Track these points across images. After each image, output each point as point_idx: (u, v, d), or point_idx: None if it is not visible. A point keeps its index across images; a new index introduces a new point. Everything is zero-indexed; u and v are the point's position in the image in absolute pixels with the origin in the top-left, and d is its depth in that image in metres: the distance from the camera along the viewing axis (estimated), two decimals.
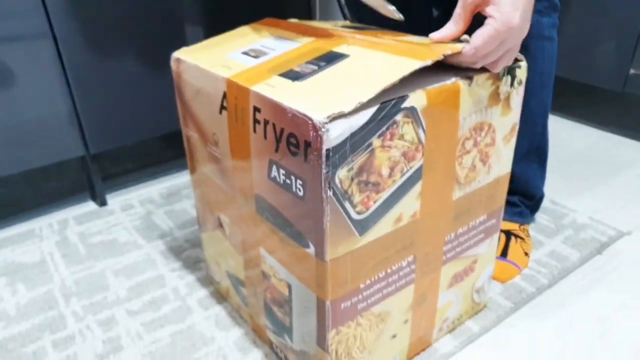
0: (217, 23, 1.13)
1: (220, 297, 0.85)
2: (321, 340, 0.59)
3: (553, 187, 1.14)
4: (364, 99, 0.46)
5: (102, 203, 1.13)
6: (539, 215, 1.03)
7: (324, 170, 0.47)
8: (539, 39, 0.81)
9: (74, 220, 1.08)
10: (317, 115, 0.45)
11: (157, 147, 1.39)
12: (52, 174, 1.27)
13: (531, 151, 0.91)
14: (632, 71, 1.28)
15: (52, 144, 1.03)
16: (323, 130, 0.45)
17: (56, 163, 1.05)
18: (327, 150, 0.46)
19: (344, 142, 0.47)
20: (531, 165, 0.93)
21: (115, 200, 1.16)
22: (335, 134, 0.46)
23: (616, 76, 1.31)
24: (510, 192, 0.94)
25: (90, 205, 1.14)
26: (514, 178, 0.92)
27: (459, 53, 0.52)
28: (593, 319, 0.79)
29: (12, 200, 1.17)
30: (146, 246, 0.99)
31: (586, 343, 0.75)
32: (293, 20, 0.74)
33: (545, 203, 1.07)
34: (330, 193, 0.48)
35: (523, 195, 0.95)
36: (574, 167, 1.23)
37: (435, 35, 0.56)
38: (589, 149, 1.32)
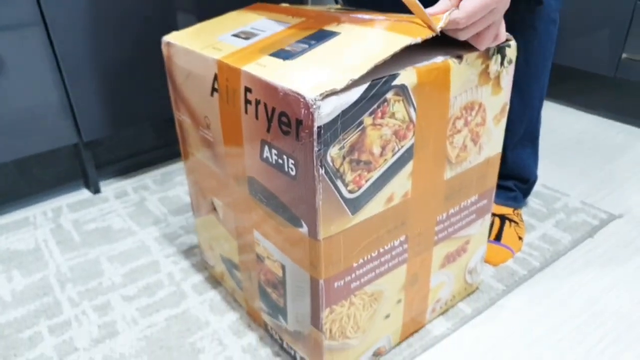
0: (208, 9, 1.13)
1: (214, 282, 0.85)
2: (315, 320, 0.59)
3: (545, 171, 1.15)
4: (356, 76, 0.46)
5: (96, 190, 1.13)
6: (531, 199, 1.04)
7: (315, 149, 0.47)
8: (547, 21, 0.81)
9: (67, 207, 1.08)
10: (309, 93, 0.46)
11: (150, 134, 1.39)
12: (45, 162, 1.26)
13: (525, 135, 0.92)
14: (624, 55, 1.28)
15: (45, 132, 1.02)
16: (314, 107, 0.45)
17: (49, 151, 1.05)
18: (319, 127, 0.46)
19: (335, 119, 0.47)
20: (525, 149, 0.93)
21: (108, 187, 1.15)
22: (326, 111, 0.46)
23: (608, 61, 1.31)
24: (505, 176, 0.94)
25: (84, 193, 1.14)
26: (508, 162, 0.93)
27: (449, 21, 0.52)
28: (584, 302, 0.80)
29: (6, 189, 1.16)
30: (140, 233, 0.99)
31: (577, 325, 0.76)
32: (284, 5, 0.74)
33: (537, 187, 1.07)
34: (322, 171, 0.49)
35: (518, 180, 0.96)
36: (566, 151, 1.24)
37: (429, 10, 0.56)
38: (581, 134, 1.32)
